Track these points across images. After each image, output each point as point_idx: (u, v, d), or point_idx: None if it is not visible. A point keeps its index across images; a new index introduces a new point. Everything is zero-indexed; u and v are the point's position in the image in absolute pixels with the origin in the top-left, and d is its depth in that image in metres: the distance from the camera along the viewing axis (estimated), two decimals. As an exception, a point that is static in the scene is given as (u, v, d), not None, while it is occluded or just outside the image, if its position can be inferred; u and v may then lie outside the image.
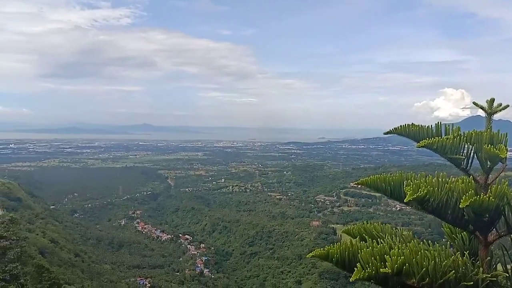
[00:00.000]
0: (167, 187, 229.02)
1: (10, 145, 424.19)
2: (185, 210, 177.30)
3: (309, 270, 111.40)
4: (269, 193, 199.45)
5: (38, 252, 66.78)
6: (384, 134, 4.75)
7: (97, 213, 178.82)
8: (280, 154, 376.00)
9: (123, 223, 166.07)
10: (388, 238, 4.07)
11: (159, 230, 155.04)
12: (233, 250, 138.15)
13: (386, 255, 3.51)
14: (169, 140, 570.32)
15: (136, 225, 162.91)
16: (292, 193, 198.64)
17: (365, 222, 4.69)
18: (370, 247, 3.70)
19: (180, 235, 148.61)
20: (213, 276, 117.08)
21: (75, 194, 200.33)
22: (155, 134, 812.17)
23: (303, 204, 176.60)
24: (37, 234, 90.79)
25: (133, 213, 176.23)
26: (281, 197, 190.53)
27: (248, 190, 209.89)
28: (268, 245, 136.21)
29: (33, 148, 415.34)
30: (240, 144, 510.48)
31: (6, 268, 33.92)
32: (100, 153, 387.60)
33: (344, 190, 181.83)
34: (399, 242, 3.91)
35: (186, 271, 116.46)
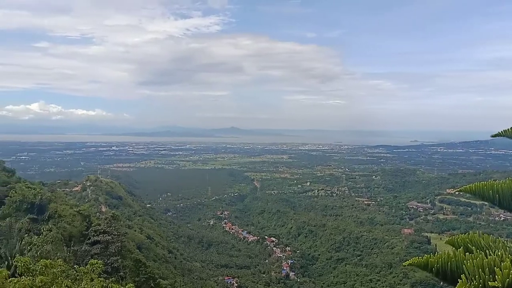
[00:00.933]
0: (253, 189, 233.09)
1: (113, 147, 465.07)
2: (271, 213, 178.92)
3: (401, 280, 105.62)
4: (356, 198, 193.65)
5: (136, 247, 71.48)
6: (492, 136, 4.22)
7: (188, 212, 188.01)
8: (368, 157, 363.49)
9: (211, 223, 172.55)
10: (499, 251, 3.80)
11: (245, 231, 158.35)
12: (319, 254, 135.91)
13: (496, 268, 3.32)
14: (255, 143, 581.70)
15: (224, 225, 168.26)
16: (381, 198, 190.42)
17: (471, 232, 4.63)
18: (477, 259, 3.49)
19: (266, 237, 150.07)
20: (298, 280, 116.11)
21: (168, 193, 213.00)
22: (242, 137, 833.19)
23: (393, 211, 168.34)
24: (135, 230, 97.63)
25: (221, 213, 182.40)
26: (370, 202, 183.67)
27: (334, 194, 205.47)
28: (356, 251, 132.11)
29: (132, 150, 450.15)
30: (326, 147, 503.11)
31: (108, 261, 36.25)
32: (191, 155, 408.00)
33: (439, 197, 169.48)
34: (510, 255, 3.66)
35: (272, 273, 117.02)
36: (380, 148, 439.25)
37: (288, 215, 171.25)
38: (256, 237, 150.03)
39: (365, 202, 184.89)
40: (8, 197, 46.86)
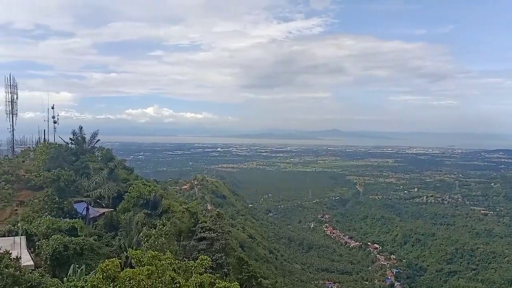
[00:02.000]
0: (356, 193, 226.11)
1: (218, 148, 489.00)
2: (374, 218, 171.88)
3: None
4: (471, 207, 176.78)
5: (238, 245, 73.63)
6: None
7: (289, 214, 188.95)
8: (485, 163, 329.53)
9: (312, 225, 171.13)
10: None
11: (347, 236, 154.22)
12: (428, 265, 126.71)
13: None
14: (357, 146, 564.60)
15: (325, 229, 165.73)
16: (502, 208, 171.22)
17: None
18: None
19: (369, 243, 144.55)
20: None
21: (269, 194, 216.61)
22: (344, 139, 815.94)
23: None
24: (238, 229, 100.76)
25: (322, 217, 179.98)
26: (487, 212, 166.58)
27: (445, 202, 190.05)
28: (470, 264, 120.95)
29: (236, 151, 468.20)
30: (436, 151, 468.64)
31: (213, 257, 37.61)
32: (292, 157, 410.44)
33: None
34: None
35: (376, 281, 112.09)
36: (500, 153, 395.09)
37: (393, 221, 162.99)
38: (358, 243, 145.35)
39: (482, 211, 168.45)
40: (127, 193, 51.35)
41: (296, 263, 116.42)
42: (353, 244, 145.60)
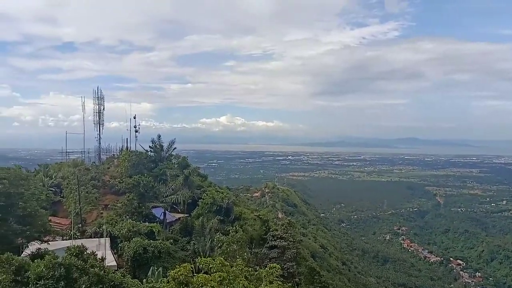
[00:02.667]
0: (436, 205, 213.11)
1: (289, 156, 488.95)
2: (457, 232, 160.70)
3: None
4: None
5: (310, 255, 72.53)
6: None
7: (362, 225, 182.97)
8: None
9: (387, 238, 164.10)
10: None
11: (426, 250, 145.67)
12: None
13: None
14: (437, 155, 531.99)
15: (401, 241, 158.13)
16: None
17: None
18: None
19: (451, 259, 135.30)
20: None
21: (342, 204, 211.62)
22: (422, 148, 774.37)
23: None
24: (309, 239, 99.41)
25: (398, 229, 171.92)
26: None
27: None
28: None
29: (306, 159, 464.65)
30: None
31: (285, 266, 37.39)
32: (366, 166, 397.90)
33: None
34: None
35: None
36: None
37: (478, 236, 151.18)
38: (439, 258, 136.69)
39: None
40: (202, 199, 52.98)
41: (371, 276, 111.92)
42: (433, 259, 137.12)
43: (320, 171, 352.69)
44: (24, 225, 32.17)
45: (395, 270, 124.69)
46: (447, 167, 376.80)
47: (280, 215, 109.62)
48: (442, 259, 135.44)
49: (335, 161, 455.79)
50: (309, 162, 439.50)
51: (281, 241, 41.41)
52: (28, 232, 32.81)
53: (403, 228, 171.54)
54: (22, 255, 27.46)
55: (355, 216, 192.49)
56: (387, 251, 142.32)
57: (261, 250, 41.37)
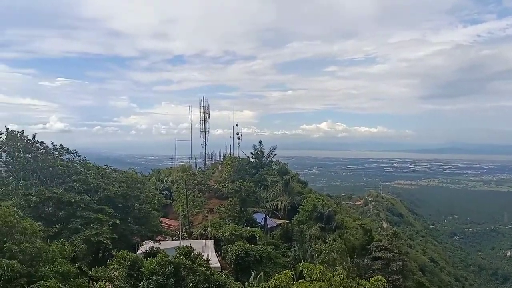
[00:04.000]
0: None
1: (394, 164, 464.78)
2: None
3: None
4: None
5: (418, 268, 67.95)
6: None
7: (479, 239, 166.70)
8: None
9: (509, 254, 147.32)
10: None
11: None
12: None
13: None
14: None
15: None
16: None
17: None
18: None
19: None
20: None
21: (454, 216, 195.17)
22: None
23: None
24: (417, 251, 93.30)
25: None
26: None
27: None
28: None
29: (413, 167, 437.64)
30: None
31: (389, 279, 35.47)
32: (482, 175, 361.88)
33: None
34: None
35: None
36: None
37: None
38: None
39: None
40: (302, 206, 52.90)
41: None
42: None
43: (429, 180, 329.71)
44: (139, 225, 35.32)
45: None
46: None
47: (384, 225, 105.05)
48: None
49: (446, 168, 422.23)
50: (417, 169, 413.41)
51: (386, 252, 39.41)
52: (143, 232, 35.97)
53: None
54: (137, 252, 30.03)
55: (470, 229, 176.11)
56: (507, 268, 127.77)
57: (363, 261, 39.85)
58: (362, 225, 49.00)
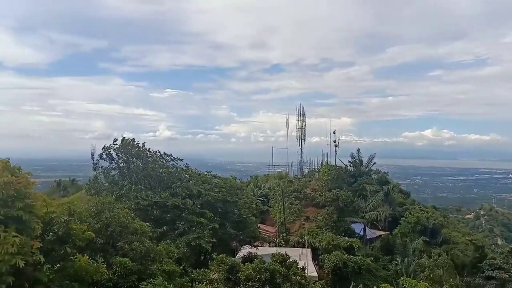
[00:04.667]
0: None
1: (510, 175, 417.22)
2: None
3: None
4: None
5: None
6: None
7: None
8: None
9: None
10: None
11: None
12: None
13: None
14: None
15: None
16: None
17: None
18: None
19: None
20: None
21: None
22: None
23: None
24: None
25: None
26: None
27: None
28: None
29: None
30: None
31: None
32: None
33: None
34: None
35: None
36: None
37: None
38: None
39: None
40: (404, 218, 50.15)
41: None
42: None
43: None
44: (237, 230, 36.41)
45: None
46: None
47: (499, 242, 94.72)
48: None
49: None
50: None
51: (500, 272, 35.53)
52: (241, 237, 37.01)
53: None
54: (236, 257, 30.96)
55: None
56: None
57: (474, 280, 36.36)
58: (473, 241, 44.96)
